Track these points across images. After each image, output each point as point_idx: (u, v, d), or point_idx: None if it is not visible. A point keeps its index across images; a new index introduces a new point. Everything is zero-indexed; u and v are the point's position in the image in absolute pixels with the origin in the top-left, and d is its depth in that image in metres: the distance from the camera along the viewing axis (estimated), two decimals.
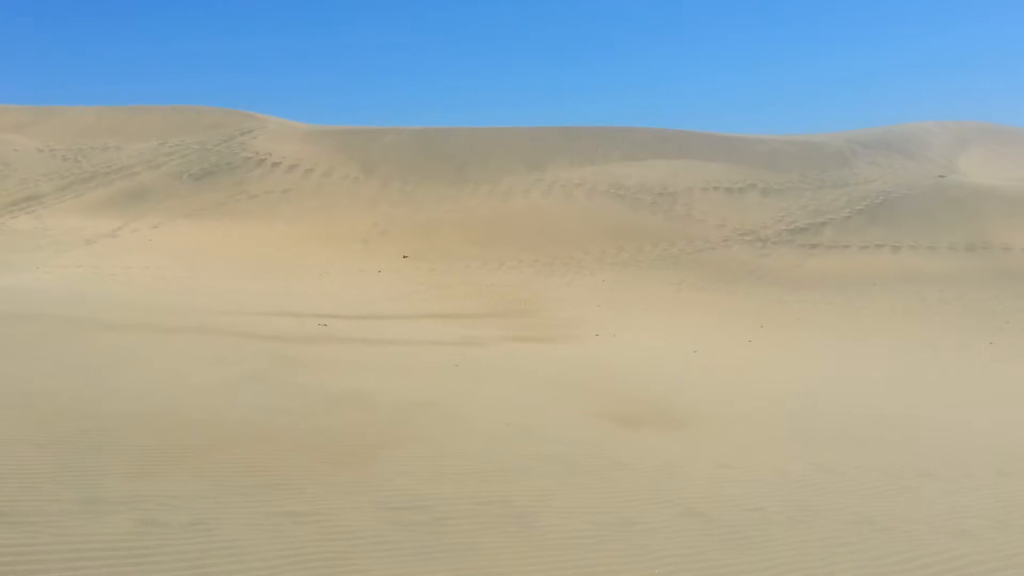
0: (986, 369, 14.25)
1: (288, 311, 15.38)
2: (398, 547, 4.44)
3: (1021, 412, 10.59)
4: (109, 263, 21.33)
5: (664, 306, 19.89)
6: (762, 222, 27.46)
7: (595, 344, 14.00)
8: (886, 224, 26.51)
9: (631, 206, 29.17)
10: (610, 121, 44.63)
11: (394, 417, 7.27)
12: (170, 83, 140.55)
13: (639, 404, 8.88)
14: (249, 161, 33.14)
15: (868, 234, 25.96)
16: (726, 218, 27.85)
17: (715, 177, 31.13)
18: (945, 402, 11.01)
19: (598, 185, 30.96)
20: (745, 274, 23.25)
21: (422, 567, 4.27)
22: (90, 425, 6.07)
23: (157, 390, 7.52)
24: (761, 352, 14.28)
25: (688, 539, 4.93)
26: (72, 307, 13.50)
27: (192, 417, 6.61)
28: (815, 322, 18.53)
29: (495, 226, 27.86)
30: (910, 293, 21.08)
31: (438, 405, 7.93)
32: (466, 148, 34.98)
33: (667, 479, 6.05)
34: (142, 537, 4.21)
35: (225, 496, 4.84)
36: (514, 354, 12.23)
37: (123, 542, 4.14)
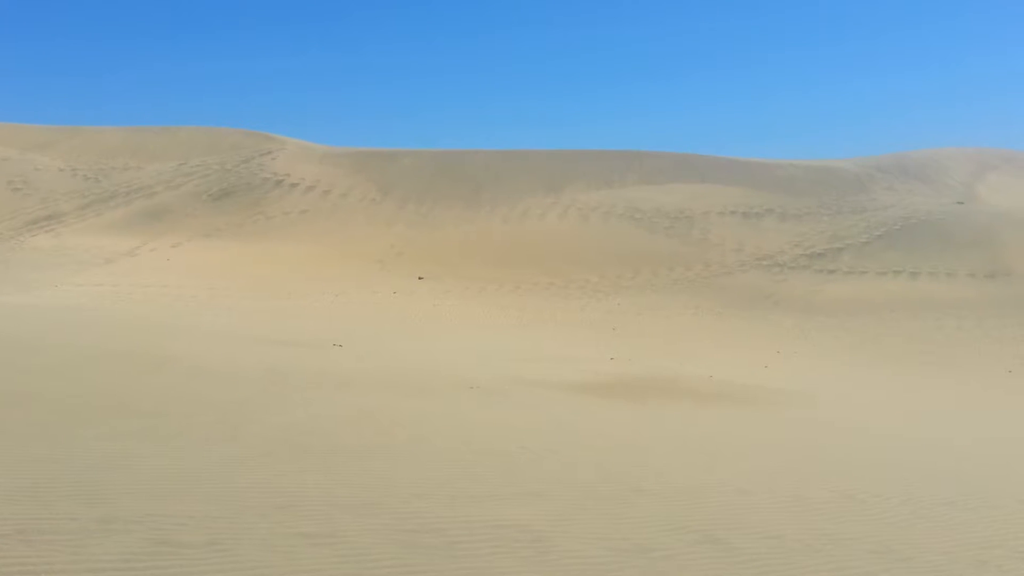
0: (1005, 397, 14.10)
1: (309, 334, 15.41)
2: (413, 570, 4.41)
3: None
4: (128, 282, 21.48)
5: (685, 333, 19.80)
6: (779, 247, 27.37)
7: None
8: (904, 250, 26.37)
9: (648, 230, 29.16)
10: (627, 145, 44.68)
11: (411, 436, 7.25)
12: (191, 104, 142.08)
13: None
14: (268, 182, 33.41)
15: (886, 260, 25.82)
16: (743, 243, 27.78)
17: (732, 202, 31.09)
18: (964, 430, 10.89)
19: (615, 208, 30.98)
20: (762, 299, 23.16)
21: None
22: (106, 443, 6.09)
23: (173, 408, 7.54)
24: (776, 377, 14.19)
25: (706, 566, 4.87)
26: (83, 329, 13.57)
27: (208, 436, 6.61)
28: (832, 348, 18.41)
29: (511, 248, 27.91)
30: (928, 320, 20.92)
31: (454, 426, 7.90)
32: (483, 170, 35.11)
33: (685, 505, 5.99)
34: (157, 557, 4.20)
35: (241, 516, 4.83)
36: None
37: (138, 561, 4.13)
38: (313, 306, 20.21)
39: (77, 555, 4.13)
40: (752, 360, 16.10)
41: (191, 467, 5.70)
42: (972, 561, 5.40)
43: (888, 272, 25.00)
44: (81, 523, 4.49)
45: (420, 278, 24.79)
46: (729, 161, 36.43)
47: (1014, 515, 6.54)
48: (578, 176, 34.16)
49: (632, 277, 25.36)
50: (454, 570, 4.46)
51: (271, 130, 40.61)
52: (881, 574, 5.03)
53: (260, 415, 7.58)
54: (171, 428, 6.76)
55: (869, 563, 5.18)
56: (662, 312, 21.85)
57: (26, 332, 12.40)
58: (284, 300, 20.66)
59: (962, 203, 31.85)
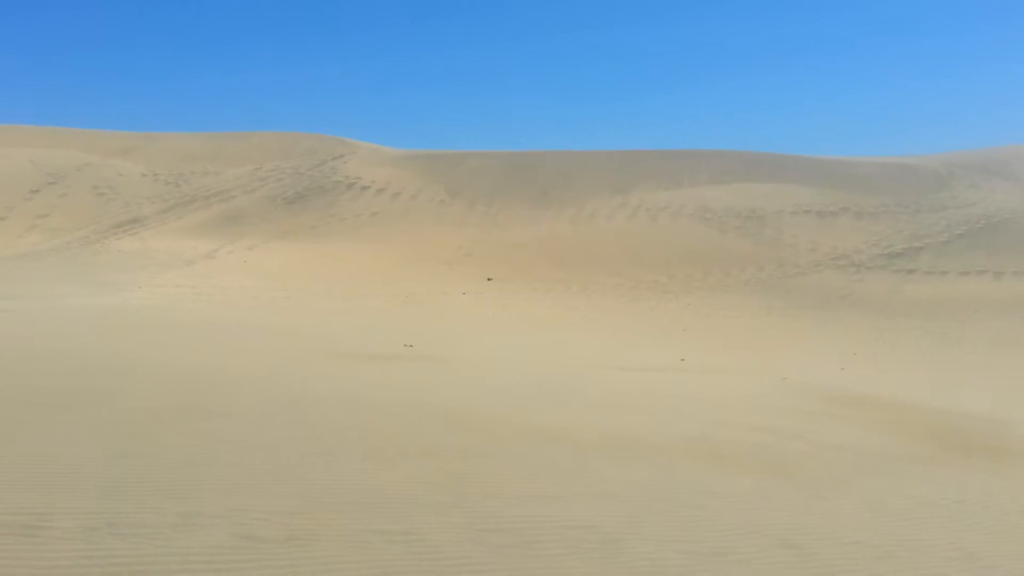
0: None
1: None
2: (485, 569, 4.46)
3: None
4: (207, 283, 22.10)
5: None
6: (855, 246, 26.77)
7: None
8: (987, 249, 25.53)
9: (718, 230, 28.81)
10: (697, 146, 44.20)
11: (485, 437, 7.31)
12: (268, 110, 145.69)
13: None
14: (340, 185, 34.01)
15: (968, 259, 25.04)
16: (817, 242, 27.24)
17: (805, 200, 30.51)
18: None
19: (684, 208, 30.69)
20: (837, 300, 22.68)
21: None
22: (189, 441, 6.29)
23: (253, 408, 7.74)
24: (853, 380, 13.88)
25: (781, 571, 4.82)
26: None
27: (287, 436, 6.78)
28: (911, 350, 17.93)
29: (579, 249, 27.86)
30: (1014, 321, 20.22)
31: (526, 427, 7.93)
32: (551, 171, 35.15)
33: (759, 509, 5.92)
34: (239, 551, 4.33)
35: (319, 512, 4.94)
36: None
37: (221, 555, 4.27)
38: (384, 307, 20.51)
39: (163, 549, 4.29)
40: (829, 362, 15.79)
41: (271, 465, 5.85)
42: None
43: (971, 272, 24.23)
44: (168, 518, 4.67)
45: (489, 279, 24.93)
46: (801, 159, 35.75)
47: None
48: (646, 176, 33.94)
49: (703, 278, 25.09)
50: (525, 570, 4.49)
51: (343, 134, 41.34)
52: None
53: (337, 416, 7.73)
54: (250, 428, 6.95)
55: (951, 570, 5.05)
56: (734, 313, 21.55)
57: (107, 332, 12.87)
58: (355, 301, 21.01)
59: None
